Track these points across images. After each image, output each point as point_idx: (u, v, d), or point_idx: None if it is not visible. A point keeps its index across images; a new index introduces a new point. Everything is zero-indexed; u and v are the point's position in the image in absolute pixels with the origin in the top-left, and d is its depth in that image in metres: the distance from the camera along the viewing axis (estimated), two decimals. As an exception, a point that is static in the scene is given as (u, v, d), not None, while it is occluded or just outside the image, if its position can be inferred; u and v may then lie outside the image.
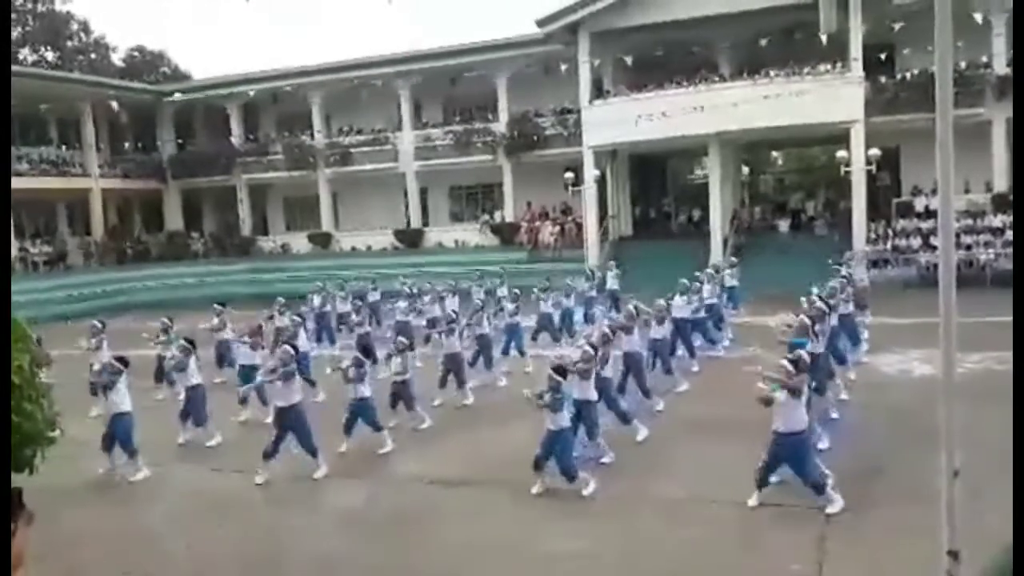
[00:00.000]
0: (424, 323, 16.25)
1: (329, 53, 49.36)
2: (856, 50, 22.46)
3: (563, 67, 26.87)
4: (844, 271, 15.96)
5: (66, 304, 25.40)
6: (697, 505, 7.70)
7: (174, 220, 35.06)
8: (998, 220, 22.29)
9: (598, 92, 26.31)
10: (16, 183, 25.77)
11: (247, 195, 33.76)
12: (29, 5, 43.53)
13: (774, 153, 33.57)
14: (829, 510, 7.11)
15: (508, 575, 6.74)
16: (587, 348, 9.14)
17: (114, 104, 32.13)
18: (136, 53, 46.43)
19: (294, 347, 9.92)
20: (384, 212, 32.04)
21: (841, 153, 22.36)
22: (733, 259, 21.11)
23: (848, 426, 9.68)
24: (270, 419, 9.67)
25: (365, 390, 9.89)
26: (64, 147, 33.27)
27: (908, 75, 23.57)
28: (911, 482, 7.31)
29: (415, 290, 18.12)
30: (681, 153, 29.09)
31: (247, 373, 11.95)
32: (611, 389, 9.92)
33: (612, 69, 27.25)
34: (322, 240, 32.36)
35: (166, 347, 13.12)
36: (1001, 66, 22.51)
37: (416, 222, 31.40)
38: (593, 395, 8.98)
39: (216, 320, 14.87)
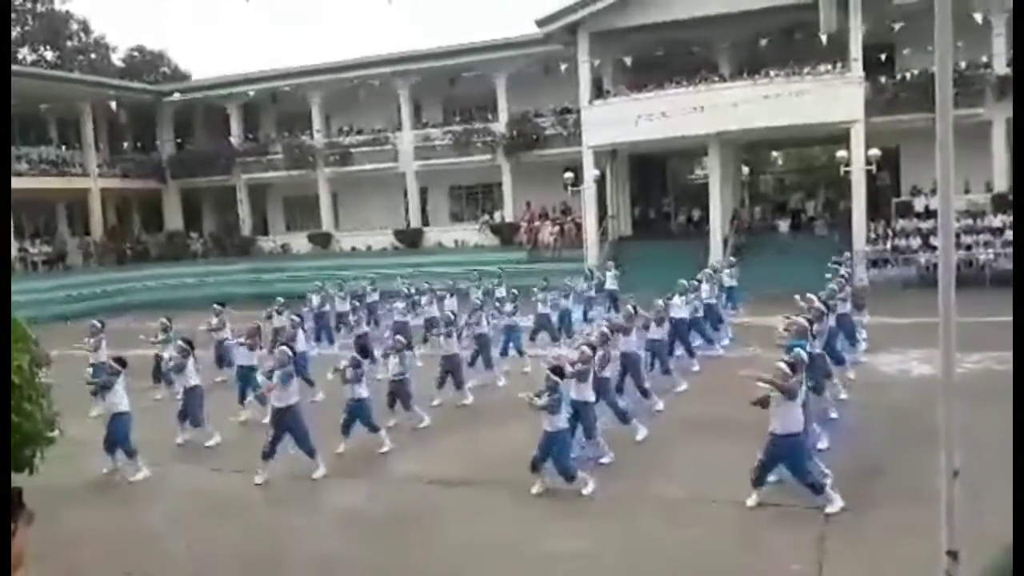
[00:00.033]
0: (422, 323, 16.27)
1: (329, 53, 49.32)
2: (856, 50, 22.47)
3: (563, 67, 26.86)
4: (843, 271, 15.98)
5: (66, 304, 25.40)
6: (697, 505, 7.70)
7: (174, 220, 35.06)
8: (998, 220, 22.31)
9: (598, 92, 26.30)
10: (16, 183, 25.75)
11: (247, 195, 33.76)
12: (29, 5, 43.52)
13: (774, 153, 33.56)
14: (828, 510, 7.12)
15: (508, 575, 6.74)
16: (585, 349, 9.14)
17: (113, 104, 32.14)
18: (136, 53, 46.43)
19: (291, 348, 9.95)
20: (384, 212, 32.04)
21: (841, 153, 22.37)
22: (732, 259, 21.12)
23: (848, 426, 9.68)
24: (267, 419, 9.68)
25: (363, 391, 9.89)
26: (64, 147, 33.27)
27: (908, 75, 23.58)
28: (911, 482, 7.31)
29: (413, 290, 18.13)
30: (681, 153, 29.09)
31: (245, 373, 12.02)
32: (611, 390, 9.93)
33: (612, 69, 27.24)
34: (322, 240, 32.36)
35: (164, 347, 13.14)
36: (1001, 66, 22.51)
37: (416, 222, 31.41)
38: (590, 396, 8.97)
39: (215, 320, 14.88)
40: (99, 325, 13.53)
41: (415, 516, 7.94)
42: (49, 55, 44.27)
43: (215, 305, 15.62)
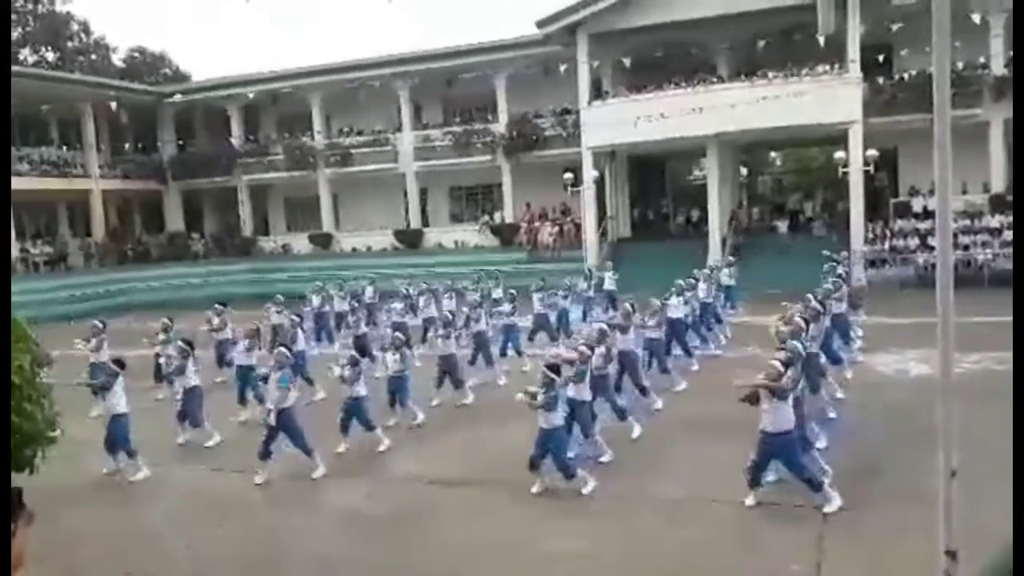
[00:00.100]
0: (420, 323, 16.28)
1: (329, 53, 49.42)
2: (854, 51, 22.49)
3: (562, 68, 26.86)
4: (841, 270, 15.96)
5: (68, 304, 25.41)
6: (696, 504, 7.71)
7: (175, 221, 35.06)
8: (995, 220, 22.33)
9: (597, 93, 26.32)
10: (16, 183, 25.72)
11: (248, 196, 33.77)
12: (29, 5, 43.53)
13: (772, 154, 33.58)
14: (827, 509, 7.13)
15: (508, 575, 6.75)
16: (583, 349, 9.16)
17: (114, 105, 32.11)
18: (136, 54, 46.45)
19: (289, 348, 9.99)
20: (384, 213, 32.05)
21: (839, 154, 22.40)
22: (730, 259, 21.13)
23: (846, 426, 9.68)
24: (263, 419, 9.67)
25: (361, 389, 9.91)
26: (64, 148, 33.25)
27: (906, 76, 23.61)
28: (909, 482, 7.32)
29: (411, 291, 18.15)
30: (680, 154, 29.10)
31: (244, 374, 12.03)
32: (609, 387, 9.95)
33: (611, 70, 27.26)
34: (322, 241, 32.38)
35: (164, 347, 13.15)
36: (999, 67, 22.53)
37: (416, 223, 31.42)
38: (587, 395, 9.00)
39: (216, 320, 14.90)
40: (100, 325, 13.52)
41: (415, 516, 7.95)
42: (50, 56, 44.29)
43: (216, 305, 15.65)
